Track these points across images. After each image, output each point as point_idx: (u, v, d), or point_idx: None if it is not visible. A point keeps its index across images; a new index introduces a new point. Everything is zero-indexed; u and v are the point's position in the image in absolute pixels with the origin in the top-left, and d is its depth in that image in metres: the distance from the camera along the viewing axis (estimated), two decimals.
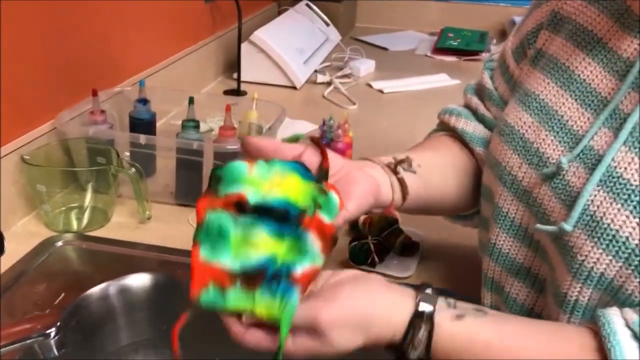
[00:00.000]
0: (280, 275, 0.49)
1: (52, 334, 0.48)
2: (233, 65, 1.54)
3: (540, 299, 0.61)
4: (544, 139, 0.59)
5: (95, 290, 0.75)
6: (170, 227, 0.92)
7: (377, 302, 0.51)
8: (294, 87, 1.55)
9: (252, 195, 0.50)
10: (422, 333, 0.50)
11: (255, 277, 0.48)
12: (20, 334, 0.47)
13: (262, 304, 0.48)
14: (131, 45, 1.18)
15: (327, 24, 1.87)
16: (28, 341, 0.47)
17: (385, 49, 1.93)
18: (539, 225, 0.57)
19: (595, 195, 0.53)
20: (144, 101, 1.01)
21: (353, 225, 0.94)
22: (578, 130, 0.57)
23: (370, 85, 1.60)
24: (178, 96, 1.13)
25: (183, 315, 0.50)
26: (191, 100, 0.96)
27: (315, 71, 1.64)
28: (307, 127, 1.32)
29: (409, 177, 0.65)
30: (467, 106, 0.78)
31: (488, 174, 0.68)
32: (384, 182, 0.62)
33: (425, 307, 0.50)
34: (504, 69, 0.73)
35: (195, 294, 0.49)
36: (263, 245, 0.50)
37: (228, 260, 0.49)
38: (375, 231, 0.90)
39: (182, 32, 1.39)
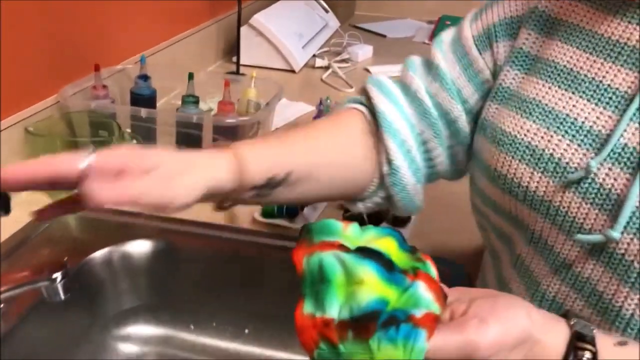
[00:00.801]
0: (398, 318, 0.44)
1: (59, 279, 0.50)
2: (232, 48, 1.56)
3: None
4: (557, 145, 0.55)
5: (98, 255, 0.78)
6: None
7: (536, 320, 0.47)
8: (293, 71, 1.57)
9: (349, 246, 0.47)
10: (587, 356, 0.45)
11: (368, 326, 0.44)
12: (27, 278, 0.50)
13: (382, 353, 0.43)
14: (132, 25, 1.20)
15: (327, 11, 1.89)
16: (36, 285, 0.49)
17: (383, 36, 1.95)
18: (580, 236, 0.53)
19: None
20: (144, 77, 1.03)
21: None
22: (600, 130, 0.53)
23: (367, 70, 1.62)
24: (178, 76, 1.15)
25: None
26: (191, 76, 0.98)
27: (314, 56, 1.66)
28: (305, 109, 1.34)
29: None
30: (403, 83, 0.68)
31: (491, 187, 0.62)
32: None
33: (584, 330, 0.47)
34: (462, 56, 0.66)
35: (309, 354, 0.45)
36: (372, 284, 0.45)
37: (335, 309, 0.45)
38: None
39: (183, 14, 1.41)
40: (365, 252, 0.46)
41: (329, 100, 1.17)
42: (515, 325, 0.46)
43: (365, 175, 0.65)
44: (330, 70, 1.58)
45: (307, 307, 0.45)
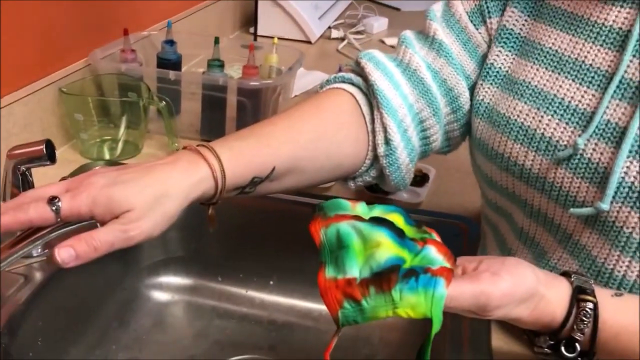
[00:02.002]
0: (416, 271, 0.46)
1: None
2: (250, 19, 1.58)
3: None
4: (547, 124, 0.58)
5: None
6: None
7: (540, 277, 0.50)
8: (309, 42, 1.60)
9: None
10: (589, 306, 0.49)
11: (390, 276, 0.46)
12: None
13: (405, 302, 0.45)
14: None
15: None
16: (82, 224, 0.53)
17: (397, 9, 1.97)
18: (573, 210, 0.56)
19: (628, 167, 0.53)
20: (170, 42, 1.07)
21: None
22: (585, 108, 0.57)
23: (382, 42, 1.64)
24: (199, 44, 1.18)
25: (332, 340, 0.47)
26: (217, 41, 1.02)
27: (329, 27, 1.68)
28: (322, 77, 1.37)
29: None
30: (400, 60, 0.68)
31: (488, 165, 0.65)
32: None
33: (585, 284, 0.50)
34: (459, 31, 0.67)
35: (333, 315, 0.47)
36: (388, 246, 0.48)
37: (356, 270, 0.47)
38: None
39: None
40: (378, 221, 0.50)
41: (347, 67, 1.20)
42: (524, 280, 0.49)
43: (355, 159, 0.66)
44: (345, 41, 1.61)
45: (329, 272, 0.47)
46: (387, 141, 0.64)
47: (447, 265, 0.49)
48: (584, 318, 0.49)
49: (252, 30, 1.55)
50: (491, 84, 0.65)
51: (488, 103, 0.65)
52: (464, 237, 0.83)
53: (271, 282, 0.89)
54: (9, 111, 0.85)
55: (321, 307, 0.88)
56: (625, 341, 0.50)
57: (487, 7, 0.66)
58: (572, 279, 0.51)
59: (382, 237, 0.48)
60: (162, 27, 1.18)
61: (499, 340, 0.66)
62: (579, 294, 0.50)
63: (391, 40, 1.64)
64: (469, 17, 0.67)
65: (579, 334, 0.49)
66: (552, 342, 0.51)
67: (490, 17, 0.66)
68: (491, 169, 0.65)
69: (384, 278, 0.46)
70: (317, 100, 0.66)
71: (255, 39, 1.53)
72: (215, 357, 0.80)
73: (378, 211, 0.53)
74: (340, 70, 1.21)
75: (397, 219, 0.52)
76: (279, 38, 1.17)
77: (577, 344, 0.50)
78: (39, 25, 0.90)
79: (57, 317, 0.71)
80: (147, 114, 0.98)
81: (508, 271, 0.49)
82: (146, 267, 0.87)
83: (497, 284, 0.48)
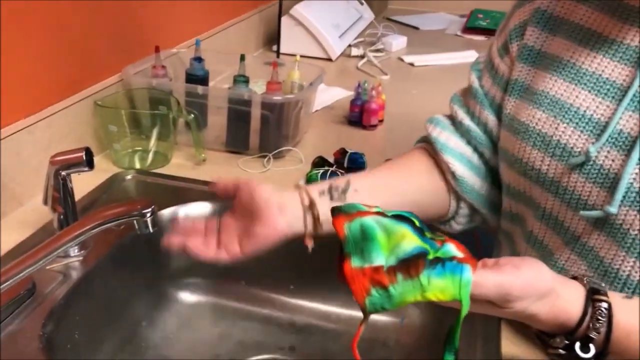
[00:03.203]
0: (442, 259, 0.47)
1: (148, 214, 0.58)
2: (273, 37, 1.64)
3: None
4: (563, 131, 0.62)
5: (166, 212, 0.87)
6: (222, 168, 1.03)
7: (557, 278, 0.52)
8: (330, 59, 1.65)
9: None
10: (604, 306, 0.51)
11: (418, 262, 0.47)
12: (122, 212, 0.59)
13: (433, 286, 0.46)
14: (185, 12, 1.29)
15: (361, 3, 1.96)
16: (128, 218, 0.57)
17: (416, 28, 2.02)
18: (583, 212, 0.59)
19: (637, 173, 0.56)
20: (199, 59, 1.12)
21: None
22: (600, 118, 0.60)
23: (401, 59, 1.69)
24: (224, 61, 1.23)
25: (359, 329, 0.49)
26: (242, 57, 1.07)
27: (349, 45, 1.74)
28: (342, 93, 1.42)
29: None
30: (451, 117, 0.79)
31: (508, 172, 0.70)
32: (294, 217, 0.67)
33: (597, 285, 0.53)
34: (490, 68, 0.75)
35: (360, 303, 0.48)
36: (412, 238, 0.49)
37: (382, 259, 0.48)
38: None
39: (226, 4, 1.50)
40: (401, 218, 0.52)
41: (366, 84, 1.25)
42: (544, 276, 0.52)
43: (441, 205, 0.76)
44: (365, 59, 1.66)
45: (354, 262, 0.48)
46: (453, 174, 0.74)
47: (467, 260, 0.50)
48: (600, 317, 0.51)
49: (275, 48, 1.61)
50: (514, 96, 0.70)
51: (509, 113, 0.70)
52: (477, 245, 0.86)
53: (292, 287, 0.93)
54: (49, 123, 0.91)
55: (340, 310, 0.91)
56: (636, 341, 0.52)
57: (510, 36, 0.72)
58: (585, 281, 0.54)
59: (405, 230, 0.50)
60: (191, 44, 1.25)
61: (509, 343, 0.69)
62: (593, 295, 0.52)
63: (410, 58, 1.68)
64: (498, 52, 0.74)
65: (594, 333, 0.51)
66: (567, 342, 0.52)
67: (511, 43, 0.71)
68: (510, 175, 0.70)
69: (411, 264, 0.47)
70: (404, 160, 0.79)
71: (278, 57, 1.59)
72: (238, 356, 0.84)
73: (392, 215, 0.55)
74: (359, 86, 1.26)
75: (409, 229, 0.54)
76: (301, 56, 1.23)
77: (591, 344, 0.52)
78: (77, 43, 0.97)
79: (92, 314, 0.76)
80: (176, 127, 1.04)
81: (529, 265, 0.52)
82: (174, 270, 0.91)
83: (519, 275, 0.50)
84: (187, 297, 0.92)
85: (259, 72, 1.24)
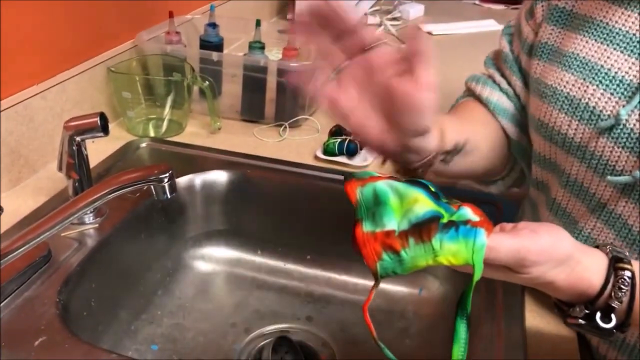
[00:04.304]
0: (456, 223, 0.46)
1: (166, 179, 0.57)
2: (287, 5, 1.61)
3: None
4: (592, 94, 0.60)
5: (182, 180, 0.85)
6: (237, 137, 1.01)
7: (578, 245, 0.51)
8: None
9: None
10: (627, 274, 0.49)
11: (430, 226, 0.46)
12: (139, 177, 0.57)
13: (446, 250, 0.45)
14: None
15: None
16: (147, 182, 0.56)
17: None
18: (610, 178, 0.57)
19: None
20: (213, 25, 1.10)
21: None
22: (632, 80, 0.58)
23: (419, 28, 1.65)
24: (242, 27, 1.21)
25: (370, 293, 0.48)
26: (258, 23, 1.04)
27: (366, 14, 1.70)
28: None
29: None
30: (489, 76, 0.78)
31: (535, 137, 0.68)
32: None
33: (620, 254, 0.50)
34: (519, 33, 0.74)
35: (371, 267, 0.47)
36: (425, 202, 0.48)
37: (394, 223, 0.47)
38: None
39: None
40: (414, 182, 0.50)
41: None
42: (562, 242, 0.50)
43: (499, 163, 0.75)
44: (382, 28, 1.62)
45: (366, 226, 0.47)
46: (507, 137, 0.74)
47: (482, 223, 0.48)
48: (622, 286, 0.49)
49: (289, 16, 1.58)
50: (542, 59, 0.68)
51: (537, 77, 0.68)
52: (499, 215, 0.84)
53: (308, 257, 0.92)
54: (63, 88, 0.90)
55: (356, 280, 0.90)
56: None
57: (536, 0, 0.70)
58: (608, 249, 0.52)
59: (419, 194, 0.48)
60: (205, 10, 1.22)
61: (533, 314, 0.68)
62: (616, 263, 0.50)
63: (428, 27, 1.64)
64: (525, 16, 0.72)
65: (616, 302, 0.49)
66: (587, 312, 0.50)
67: (536, 5, 0.69)
68: (537, 141, 0.68)
69: (423, 228, 0.46)
70: (469, 104, 0.77)
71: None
72: (254, 325, 0.83)
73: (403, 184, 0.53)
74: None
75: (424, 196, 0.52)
76: None
77: (612, 314, 0.49)
78: (90, 8, 0.95)
79: (108, 281, 0.75)
80: (190, 94, 1.02)
81: (547, 230, 0.50)
82: (190, 239, 0.91)
83: (537, 240, 0.48)
84: (203, 266, 0.91)
85: (273, 40, 1.21)
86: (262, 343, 0.80)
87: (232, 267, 0.92)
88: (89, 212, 0.76)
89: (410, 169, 0.59)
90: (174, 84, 0.99)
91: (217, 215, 0.91)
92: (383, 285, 0.91)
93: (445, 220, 0.47)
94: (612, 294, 0.49)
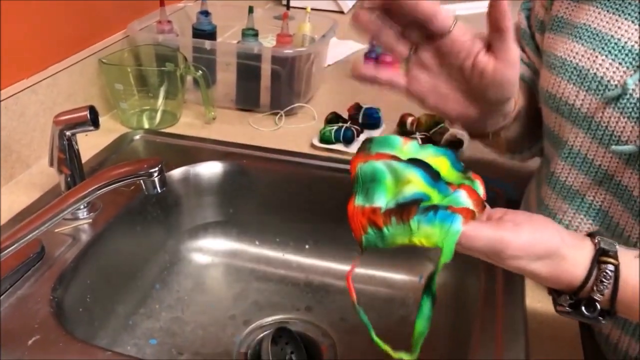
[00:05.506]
0: (437, 207, 0.48)
1: (156, 173, 0.56)
2: None
3: (594, 226, 0.64)
4: (601, 64, 0.60)
5: (177, 172, 0.84)
6: (233, 127, 1.00)
7: (565, 238, 0.50)
8: (342, 12, 1.59)
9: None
10: (610, 268, 0.49)
11: (410, 208, 0.48)
12: (129, 172, 0.56)
13: (420, 232, 0.47)
14: None
15: None
16: (135, 178, 0.55)
17: None
18: (615, 147, 0.58)
19: None
20: (205, 13, 1.08)
21: (401, 125, 1.00)
22: None
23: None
24: (235, 15, 1.19)
25: (354, 263, 0.51)
26: (251, 10, 1.03)
27: None
28: (355, 47, 1.37)
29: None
30: None
31: (542, 109, 0.68)
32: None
33: (608, 246, 0.50)
34: (533, 7, 0.74)
35: (357, 239, 0.49)
36: (417, 183, 0.50)
37: (383, 201, 0.50)
38: (423, 130, 0.97)
39: None
40: (414, 162, 0.51)
41: None
42: (546, 238, 0.49)
43: (534, 125, 0.72)
44: None
45: (358, 200, 0.50)
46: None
47: (474, 208, 0.50)
48: (604, 279, 0.49)
49: (284, 2, 1.56)
50: (551, 31, 0.68)
51: (547, 50, 0.68)
52: (500, 200, 0.83)
53: (307, 246, 0.91)
54: (54, 82, 0.88)
55: (356, 269, 0.89)
56: None
57: None
58: (597, 240, 0.51)
59: (413, 176, 0.50)
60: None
61: (533, 300, 0.67)
62: (600, 256, 0.50)
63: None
64: None
65: (598, 295, 0.50)
66: (572, 302, 0.51)
67: None
68: (544, 114, 0.68)
69: (405, 209, 0.48)
70: None
71: (288, 9, 1.53)
72: (254, 317, 0.83)
73: (429, 151, 0.55)
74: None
75: (442, 162, 0.54)
76: (311, 9, 1.18)
77: (597, 304, 0.50)
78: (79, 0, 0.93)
79: (103, 276, 0.75)
80: (184, 84, 1.00)
81: (532, 225, 0.49)
82: (187, 231, 0.90)
83: (517, 234, 0.48)
84: (201, 258, 0.90)
85: (268, 27, 1.19)
86: (261, 334, 0.80)
87: (230, 258, 0.91)
88: (82, 207, 0.75)
89: (483, 134, 0.64)
90: (166, 74, 0.98)
91: (213, 207, 0.90)
92: (383, 273, 0.91)
93: (430, 203, 0.49)
94: (594, 287, 0.50)
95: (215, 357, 0.77)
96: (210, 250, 0.91)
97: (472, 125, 0.62)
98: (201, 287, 0.87)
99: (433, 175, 0.51)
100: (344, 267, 0.89)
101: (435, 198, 0.50)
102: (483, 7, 1.69)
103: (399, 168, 0.51)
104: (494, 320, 0.64)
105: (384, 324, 0.82)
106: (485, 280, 0.70)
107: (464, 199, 0.50)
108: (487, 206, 0.52)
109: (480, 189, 0.53)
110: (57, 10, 0.89)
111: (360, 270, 0.89)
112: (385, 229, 0.48)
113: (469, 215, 0.48)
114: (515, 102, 0.64)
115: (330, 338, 0.80)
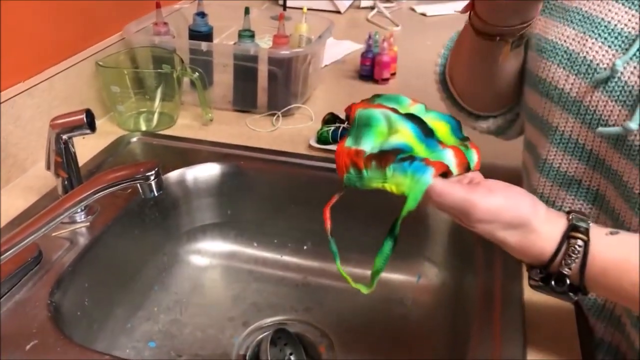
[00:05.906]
0: (414, 157, 0.51)
1: (152, 177, 0.56)
2: None
3: (594, 210, 0.64)
4: (590, 47, 0.60)
5: (174, 174, 0.84)
6: (230, 128, 1.00)
7: (540, 212, 0.51)
8: (338, 12, 1.59)
9: None
10: (579, 244, 0.50)
11: (388, 156, 0.51)
12: (125, 176, 0.56)
13: (393, 179, 0.50)
14: None
15: None
16: (132, 182, 0.55)
17: None
18: (601, 129, 0.58)
19: None
20: (202, 14, 1.08)
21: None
22: (630, 32, 0.58)
23: (413, 10, 1.63)
24: (232, 16, 1.19)
25: (333, 196, 0.54)
26: (247, 11, 1.03)
27: None
28: (352, 47, 1.37)
29: None
30: None
31: (530, 94, 0.69)
32: None
33: (580, 222, 0.51)
34: None
35: (340, 176, 0.53)
36: (405, 135, 0.52)
37: (369, 146, 0.52)
38: None
39: None
40: (410, 117, 0.54)
41: (377, 35, 1.20)
42: (517, 207, 0.50)
43: (517, 85, 0.73)
44: (375, 10, 1.60)
45: (347, 142, 0.54)
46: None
47: (455, 167, 0.52)
48: (572, 254, 0.50)
49: (281, 2, 1.56)
50: (543, 14, 0.68)
51: (538, 33, 0.68)
52: None
53: (305, 247, 0.91)
54: (50, 85, 0.88)
55: (354, 270, 0.89)
56: (613, 277, 0.51)
57: None
58: (571, 217, 0.52)
59: (404, 127, 0.53)
60: (192, 1, 1.20)
61: (532, 300, 0.67)
62: (571, 232, 0.51)
63: (421, 8, 1.62)
64: None
65: (566, 269, 0.51)
66: (542, 275, 0.52)
67: None
68: (531, 98, 0.68)
69: (384, 156, 0.51)
70: None
71: (284, 10, 1.53)
72: (253, 318, 0.83)
73: (432, 115, 0.57)
74: (370, 38, 1.21)
75: (442, 127, 0.56)
76: (308, 9, 1.18)
77: (566, 279, 0.51)
78: (76, 2, 0.93)
79: (102, 280, 0.74)
80: (180, 86, 1.00)
81: (505, 194, 0.51)
82: (185, 234, 0.90)
83: (488, 198, 0.49)
84: (199, 260, 0.90)
85: (265, 27, 1.19)
86: (260, 336, 0.80)
87: (228, 260, 0.91)
88: (79, 210, 0.75)
89: (492, 34, 0.64)
90: (163, 76, 0.98)
91: (211, 209, 0.90)
92: (381, 273, 0.88)
93: (410, 154, 0.52)
94: (563, 261, 0.51)
95: (214, 358, 0.77)
96: (208, 252, 0.91)
97: (496, 18, 0.63)
98: (200, 289, 0.87)
99: (425, 131, 0.53)
100: (343, 268, 0.89)
101: (422, 152, 0.52)
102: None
103: (394, 119, 0.54)
104: (492, 319, 0.64)
105: (382, 323, 0.83)
106: (484, 280, 0.70)
107: (448, 157, 0.52)
108: (478, 173, 0.54)
109: (474, 157, 0.55)
110: (52, 13, 0.88)
111: (359, 271, 0.89)
112: (364, 172, 0.51)
113: (442, 169, 0.51)
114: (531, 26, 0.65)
115: (329, 339, 0.80)
